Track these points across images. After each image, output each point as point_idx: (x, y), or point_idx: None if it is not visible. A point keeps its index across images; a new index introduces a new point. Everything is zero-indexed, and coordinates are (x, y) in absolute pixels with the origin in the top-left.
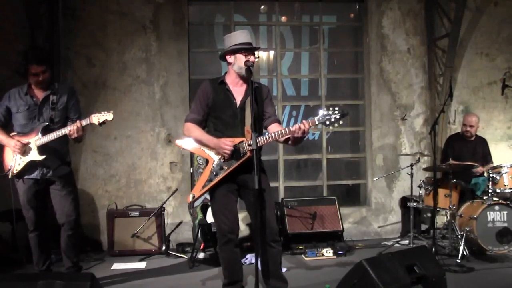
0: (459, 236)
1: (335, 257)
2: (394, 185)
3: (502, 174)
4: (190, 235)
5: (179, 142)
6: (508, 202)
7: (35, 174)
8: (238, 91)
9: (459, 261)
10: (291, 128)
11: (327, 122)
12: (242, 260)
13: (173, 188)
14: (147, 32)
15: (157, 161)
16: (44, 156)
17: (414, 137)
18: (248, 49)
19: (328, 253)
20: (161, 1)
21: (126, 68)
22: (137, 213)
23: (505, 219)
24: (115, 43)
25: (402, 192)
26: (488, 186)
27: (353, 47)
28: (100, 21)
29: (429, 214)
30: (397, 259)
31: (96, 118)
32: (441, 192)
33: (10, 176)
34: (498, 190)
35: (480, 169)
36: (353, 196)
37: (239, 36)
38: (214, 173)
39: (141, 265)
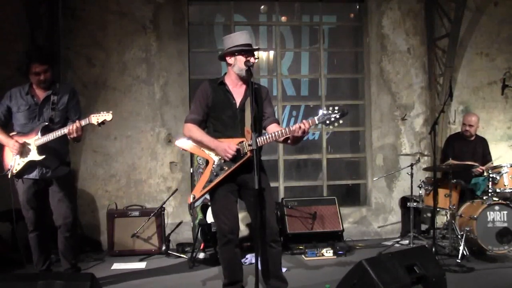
0: (459, 236)
1: (335, 257)
2: (394, 185)
3: (502, 174)
4: (190, 235)
5: (178, 143)
6: (508, 202)
7: (34, 174)
8: (237, 91)
9: (459, 261)
10: (291, 127)
11: (327, 122)
12: (242, 260)
13: (173, 188)
14: (147, 32)
15: (157, 161)
16: (43, 156)
17: (414, 137)
18: (248, 50)
19: (328, 253)
20: (161, 1)
21: (126, 68)
22: (137, 213)
23: (505, 219)
24: (115, 43)
25: (402, 192)
26: (488, 186)
27: (353, 47)
28: (100, 21)
29: (429, 214)
30: (397, 259)
31: (95, 118)
32: (441, 192)
33: (9, 176)
34: (498, 190)
35: (480, 168)
36: (353, 196)
37: (239, 37)
38: (215, 173)
39: (141, 265)
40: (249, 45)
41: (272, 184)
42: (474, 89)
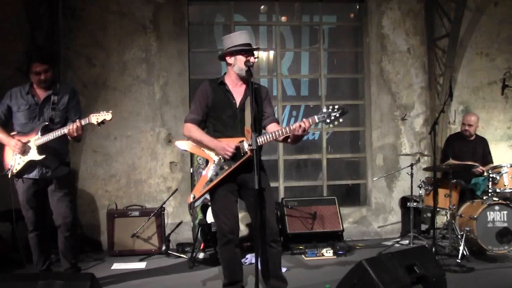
0: (459, 236)
1: (335, 257)
2: (394, 185)
3: (502, 174)
4: (190, 235)
5: (178, 144)
6: (508, 202)
7: (34, 174)
8: (237, 91)
9: (459, 261)
10: (291, 126)
11: (327, 120)
12: (242, 260)
13: (173, 188)
14: (147, 32)
15: (157, 161)
16: (43, 156)
17: (414, 137)
18: (248, 50)
19: (328, 253)
20: (161, 1)
21: (126, 68)
22: (137, 213)
23: (505, 219)
24: (115, 43)
25: (402, 192)
26: (488, 186)
27: (353, 47)
28: (100, 21)
29: (429, 214)
30: (397, 259)
31: (95, 118)
32: (441, 192)
33: (9, 176)
34: (498, 190)
35: (480, 168)
36: (353, 196)
37: (239, 37)
38: (215, 173)
39: (141, 265)
40: (249, 44)
41: (272, 184)
42: (474, 89)
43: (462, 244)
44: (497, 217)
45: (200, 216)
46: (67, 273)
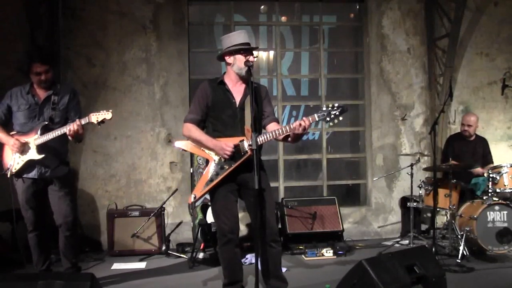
0: (459, 236)
1: (335, 257)
2: (394, 185)
3: (502, 174)
4: (190, 235)
5: (177, 143)
6: (508, 202)
7: (33, 174)
8: (237, 91)
9: (459, 261)
10: (291, 125)
11: (327, 119)
12: (242, 260)
13: (173, 188)
14: (147, 32)
15: (157, 161)
16: (43, 155)
17: (414, 137)
18: (247, 49)
19: (328, 253)
20: (161, 1)
21: (126, 68)
22: (137, 213)
23: (505, 219)
24: (115, 43)
25: (402, 192)
26: (488, 186)
27: (353, 47)
28: (100, 21)
29: (429, 214)
30: (397, 259)
31: (95, 117)
32: (441, 192)
33: (9, 175)
34: (498, 190)
35: (479, 170)
36: (353, 196)
37: (237, 37)
38: (215, 173)
39: (141, 265)
40: (248, 44)
41: (272, 184)
42: (474, 89)
43: (462, 244)
44: (497, 217)
45: (200, 216)
46: (67, 273)
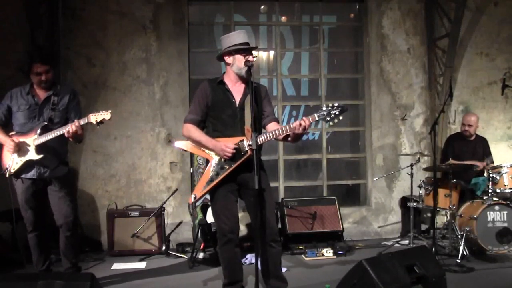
0: (459, 236)
1: (335, 257)
2: (394, 185)
3: (502, 174)
4: (190, 235)
5: (177, 144)
6: (508, 202)
7: (32, 174)
8: (237, 90)
9: (459, 261)
10: (291, 125)
11: (327, 118)
12: (242, 260)
13: (173, 188)
14: (147, 32)
15: (157, 161)
16: (41, 155)
17: (414, 137)
18: (246, 49)
19: (328, 253)
20: (161, 1)
21: (126, 68)
22: (137, 213)
23: (505, 219)
24: (115, 43)
25: (402, 192)
26: (488, 186)
27: (353, 47)
28: (100, 21)
29: (429, 214)
30: (397, 259)
31: (94, 117)
32: (441, 192)
33: (7, 175)
34: (498, 190)
35: (480, 164)
36: (353, 196)
37: (236, 37)
38: (215, 172)
39: (141, 265)
40: (247, 44)
41: (272, 184)
42: (474, 89)
43: (462, 244)
44: (497, 217)
45: (200, 216)
46: (67, 273)
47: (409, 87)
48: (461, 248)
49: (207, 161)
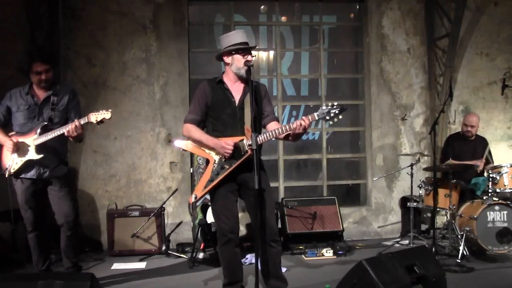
0: (459, 236)
1: (335, 257)
2: (394, 185)
3: (502, 174)
4: (190, 235)
5: (177, 143)
6: (508, 202)
7: (32, 174)
8: (236, 90)
9: (459, 261)
10: (291, 124)
11: (327, 117)
12: (242, 260)
13: (173, 188)
14: (147, 32)
15: (157, 161)
16: (41, 155)
17: (414, 137)
18: (244, 49)
19: (328, 253)
20: (161, 1)
21: (126, 68)
22: (137, 213)
23: (505, 219)
24: (115, 43)
25: (402, 192)
26: (488, 186)
27: (353, 47)
28: (100, 21)
29: (429, 214)
30: (397, 259)
31: (94, 117)
32: (441, 192)
33: (7, 175)
34: (498, 190)
35: (479, 163)
36: (353, 196)
37: (235, 36)
38: (216, 172)
39: (141, 265)
40: (246, 43)
41: (272, 184)
42: (474, 89)
43: (462, 244)
44: (497, 217)
45: (200, 216)
46: (67, 273)
47: (409, 87)
48: (461, 248)
49: (207, 161)
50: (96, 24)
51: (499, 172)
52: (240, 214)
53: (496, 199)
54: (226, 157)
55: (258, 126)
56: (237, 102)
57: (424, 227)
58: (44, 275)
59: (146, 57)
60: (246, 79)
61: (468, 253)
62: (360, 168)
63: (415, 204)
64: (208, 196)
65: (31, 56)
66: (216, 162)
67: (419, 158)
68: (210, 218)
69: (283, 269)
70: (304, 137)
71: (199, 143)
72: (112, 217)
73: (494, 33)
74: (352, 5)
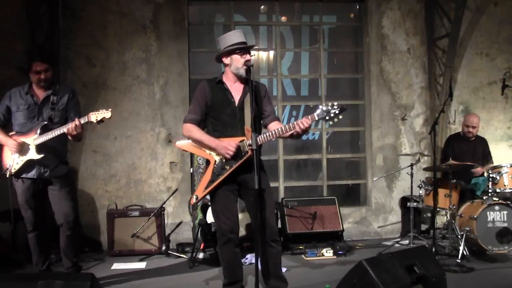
0: (459, 236)
1: (335, 257)
2: (394, 185)
3: (502, 174)
4: (190, 235)
5: (179, 143)
6: (508, 202)
7: (32, 174)
8: (236, 90)
9: (459, 261)
10: (291, 125)
11: (327, 117)
12: (242, 260)
13: (173, 188)
14: (147, 32)
15: (157, 161)
16: (42, 155)
17: (414, 137)
18: (243, 49)
19: (328, 253)
20: (161, 1)
21: (126, 68)
22: (137, 213)
23: (505, 219)
24: (115, 43)
25: (402, 192)
26: (488, 186)
27: (353, 47)
28: (100, 21)
29: (429, 214)
30: (397, 259)
31: (94, 116)
32: (441, 192)
33: (8, 175)
34: (498, 190)
35: (479, 169)
36: (353, 196)
37: (232, 37)
38: (216, 173)
39: (141, 265)
40: (244, 43)
41: (272, 184)
42: (474, 89)
43: (462, 244)
44: (497, 217)
45: (200, 216)
46: (67, 273)
47: (409, 87)
48: (461, 248)
49: (208, 162)
50: (96, 24)
51: (499, 172)
52: (240, 214)
53: (496, 199)
54: (227, 158)
55: (258, 126)
56: (236, 102)
57: (424, 227)
58: (44, 275)
59: (146, 57)
60: (246, 79)
61: (468, 253)
62: (360, 168)
63: (415, 204)
64: (208, 196)
65: (31, 55)
66: (216, 163)
67: (419, 158)
68: (210, 218)
69: (283, 269)
70: (304, 137)
71: (200, 143)
72: (112, 217)
73: (494, 33)
74: (352, 5)
